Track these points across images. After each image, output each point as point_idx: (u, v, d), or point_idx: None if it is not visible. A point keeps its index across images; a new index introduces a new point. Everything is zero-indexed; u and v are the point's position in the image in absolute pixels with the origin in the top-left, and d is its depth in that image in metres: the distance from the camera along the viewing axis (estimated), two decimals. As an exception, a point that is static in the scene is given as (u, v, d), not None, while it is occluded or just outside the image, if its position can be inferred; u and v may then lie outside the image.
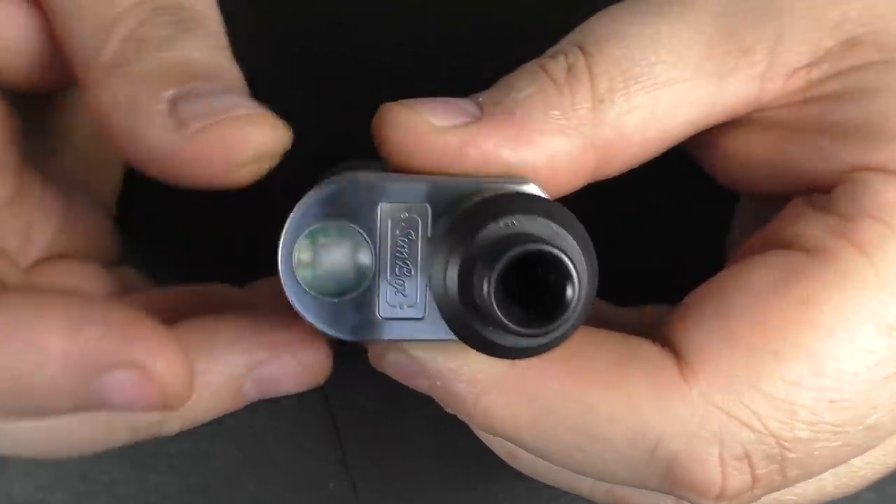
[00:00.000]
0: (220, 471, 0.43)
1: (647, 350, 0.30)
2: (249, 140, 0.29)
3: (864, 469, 0.34)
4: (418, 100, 0.31)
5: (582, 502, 0.38)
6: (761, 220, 0.34)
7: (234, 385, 0.32)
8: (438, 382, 0.30)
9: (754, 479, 0.30)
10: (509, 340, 0.27)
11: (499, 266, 0.25)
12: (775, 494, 0.33)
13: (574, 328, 0.27)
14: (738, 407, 0.29)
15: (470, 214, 0.27)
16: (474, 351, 0.29)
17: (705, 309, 0.30)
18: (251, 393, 0.32)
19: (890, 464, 0.34)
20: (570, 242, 0.27)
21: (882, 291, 0.29)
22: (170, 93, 0.29)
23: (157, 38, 0.30)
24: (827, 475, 0.33)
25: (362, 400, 0.42)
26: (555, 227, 0.27)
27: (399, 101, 0.31)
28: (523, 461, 0.35)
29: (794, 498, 0.34)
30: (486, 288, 0.26)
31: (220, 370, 0.32)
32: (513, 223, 0.27)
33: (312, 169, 0.37)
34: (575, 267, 0.26)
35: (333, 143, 0.37)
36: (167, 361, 0.28)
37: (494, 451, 0.35)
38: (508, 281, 0.26)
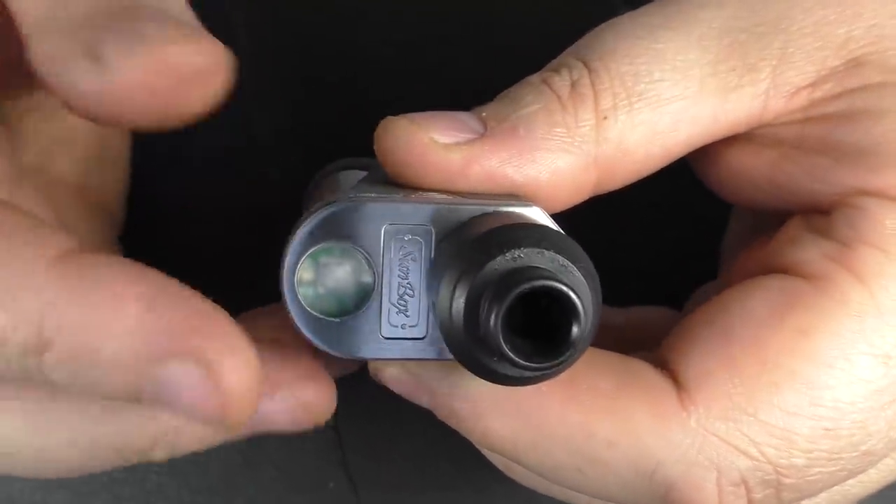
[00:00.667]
0: (220, 471, 0.43)
1: (647, 375, 0.31)
2: (172, 61, 0.26)
3: (856, 487, 0.34)
4: (421, 114, 0.31)
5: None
6: (757, 228, 0.34)
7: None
8: (438, 400, 0.31)
9: (750, 502, 0.30)
10: (513, 372, 0.27)
11: (506, 301, 0.25)
12: None
13: (580, 353, 0.27)
14: (736, 435, 0.29)
15: (477, 244, 0.27)
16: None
17: (704, 334, 0.31)
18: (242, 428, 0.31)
19: (882, 482, 0.34)
20: (576, 277, 0.27)
21: (880, 321, 0.29)
22: (89, 33, 0.26)
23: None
24: (821, 498, 0.33)
25: (362, 400, 0.43)
26: (562, 260, 0.27)
27: (402, 115, 0.31)
28: (520, 474, 0.35)
29: None
30: (493, 322, 0.26)
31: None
32: (520, 256, 0.26)
33: (312, 168, 0.38)
34: (581, 303, 0.26)
35: (332, 142, 0.37)
36: (237, 365, 0.26)
37: (492, 461, 0.36)
38: (514, 313, 0.26)
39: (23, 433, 0.29)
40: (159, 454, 0.31)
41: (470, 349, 0.27)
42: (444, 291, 0.27)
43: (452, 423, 0.31)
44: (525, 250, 0.26)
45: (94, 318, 0.25)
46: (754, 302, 0.30)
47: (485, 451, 0.35)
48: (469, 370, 0.28)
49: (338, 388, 0.42)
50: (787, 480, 0.30)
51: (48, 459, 0.30)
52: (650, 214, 0.41)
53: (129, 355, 0.26)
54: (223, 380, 0.26)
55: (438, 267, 0.29)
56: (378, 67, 0.42)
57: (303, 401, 0.31)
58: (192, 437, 0.31)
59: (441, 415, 0.31)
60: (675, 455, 0.29)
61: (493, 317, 0.26)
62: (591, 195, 0.32)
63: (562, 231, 0.28)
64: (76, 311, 0.25)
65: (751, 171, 0.33)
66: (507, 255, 0.26)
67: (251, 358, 0.26)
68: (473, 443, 0.32)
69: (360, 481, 0.43)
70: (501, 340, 0.26)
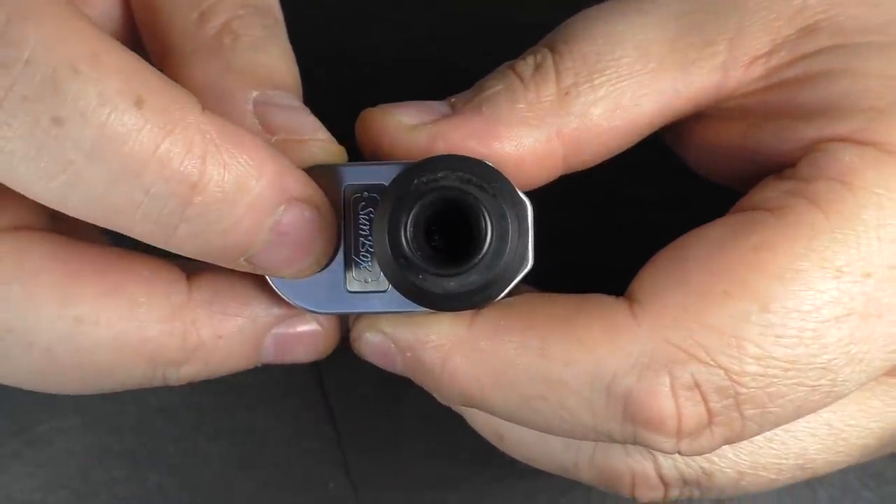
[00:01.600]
0: (219, 471, 0.43)
1: (600, 299, 0.31)
2: (315, 159, 0.32)
3: (845, 431, 0.34)
4: (393, 103, 0.33)
5: (580, 502, 0.38)
6: None
7: (257, 335, 0.33)
8: (408, 354, 0.32)
9: (710, 412, 0.30)
10: (439, 286, 0.29)
11: (414, 209, 0.28)
12: (753, 450, 0.34)
13: (501, 274, 0.29)
14: (687, 341, 0.30)
15: (401, 175, 0.29)
16: (435, 320, 0.31)
17: (662, 260, 0.32)
18: (269, 350, 0.33)
19: (873, 428, 0.34)
20: (486, 193, 0.29)
21: (833, 240, 0.30)
22: (256, 93, 0.32)
23: (250, 37, 0.33)
24: (805, 436, 0.34)
25: (362, 400, 0.43)
26: (475, 179, 0.29)
27: (377, 105, 0.33)
28: (510, 442, 0.36)
29: (775, 460, 0.34)
30: (404, 232, 0.28)
31: (246, 318, 0.33)
32: (434, 178, 0.29)
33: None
34: (486, 209, 0.28)
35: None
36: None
37: (484, 435, 0.36)
38: (441, 236, 0.29)
39: (68, 326, 0.31)
40: (187, 371, 0.32)
41: (399, 273, 0.29)
42: (377, 224, 0.29)
43: (424, 379, 0.32)
44: (441, 173, 0.29)
45: (243, 165, 0.29)
46: (712, 230, 0.31)
47: (474, 422, 0.36)
48: (404, 295, 0.29)
49: (338, 388, 0.42)
50: (744, 390, 0.30)
51: (84, 363, 0.31)
52: (649, 214, 0.41)
53: (265, 198, 0.29)
54: (325, 214, 0.30)
55: (377, 214, 0.30)
56: (378, 67, 0.42)
57: (324, 325, 0.34)
58: (225, 353, 0.33)
59: (413, 371, 0.32)
60: (628, 363, 0.30)
61: (402, 227, 0.28)
62: (563, 171, 0.33)
63: (488, 163, 0.29)
64: (229, 151, 0.28)
65: (724, 144, 0.34)
66: (423, 177, 0.29)
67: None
68: (444, 399, 0.33)
69: (360, 481, 0.43)
70: (411, 248, 0.28)
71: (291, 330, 0.33)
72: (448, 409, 0.36)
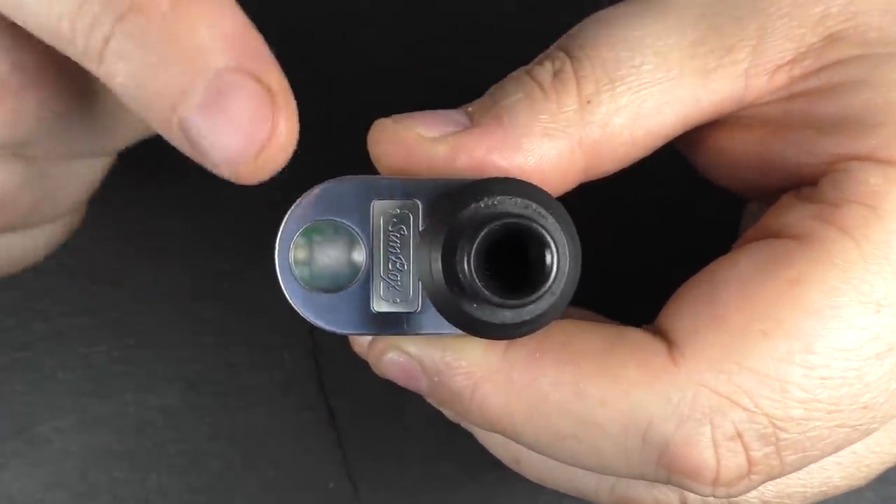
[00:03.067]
0: (219, 471, 0.43)
1: (637, 336, 0.31)
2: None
3: (868, 458, 0.34)
4: (409, 114, 0.32)
5: None
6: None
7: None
8: (436, 378, 0.31)
9: (750, 462, 0.30)
10: (495, 316, 0.28)
11: (478, 238, 0.27)
12: (780, 482, 0.33)
13: (558, 304, 0.28)
14: (728, 386, 0.29)
15: (453, 198, 0.28)
16: (468, 345, 0.30)
17: (694, 295, 0.31)
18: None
19: (895, 453, 0.34)
20: (548, 220, 0.28)
21: (867, 271, 0.29)
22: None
23: None
24: (832, 465, 0.33)
25: (362, 400, 0.43)
26: (534, 205, 0.28)
27: (391, 116, 0.32)
28: (528, 465, 0.35)
29: (801, 489, 0.34)
30: (467, 261, 0.27)
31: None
32: (493, 203, 0.28)
33: (311, 166, 0.37)
34: (552, 238, 0.27)
35: (332, 141, 0.37)
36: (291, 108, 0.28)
37: (499, 457, 0.36)
38: (493, 261, 0.27)
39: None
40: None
41: (451, 300, 0.28)
42: (424, 247, 0.28)
43: (450, 405, 0.31)
44: (498, 198, 0.28)
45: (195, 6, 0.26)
46: (741, 262, 0.31)
47: (490, 445, 0.35)
48: (452, 322, 0.28)
49: (338, 388, 0.42)
50: (785, 436, 0.29)
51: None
52: (651, 215, 0.41)
53: (210, 48, 0.26)
54: (282, 108, 0.27)
55: (424, 235, 0.29)
56: (378, 67, 0.42)
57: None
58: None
59: (438, 396, 0.31)
60: (667, 410, 0.29)
61: (466, 256, 0.27)
62: (582, 181, 0.32)
63: (542, 189, 0.29)
64: None
65: (740, 153, 0.33)
66: (480, 202, 0.28)
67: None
68: (472, 425, 0.32)
69: (360, 481, 0.43)
70: (475, 277, 0.27)
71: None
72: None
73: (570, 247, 0.28)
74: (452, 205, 0.28)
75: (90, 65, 0.27)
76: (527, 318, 0.28)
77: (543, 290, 0.27)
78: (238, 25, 0.27)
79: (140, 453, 0.43)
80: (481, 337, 0.29)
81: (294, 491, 0.42)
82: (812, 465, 0.33)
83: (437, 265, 0.28)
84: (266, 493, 0.42)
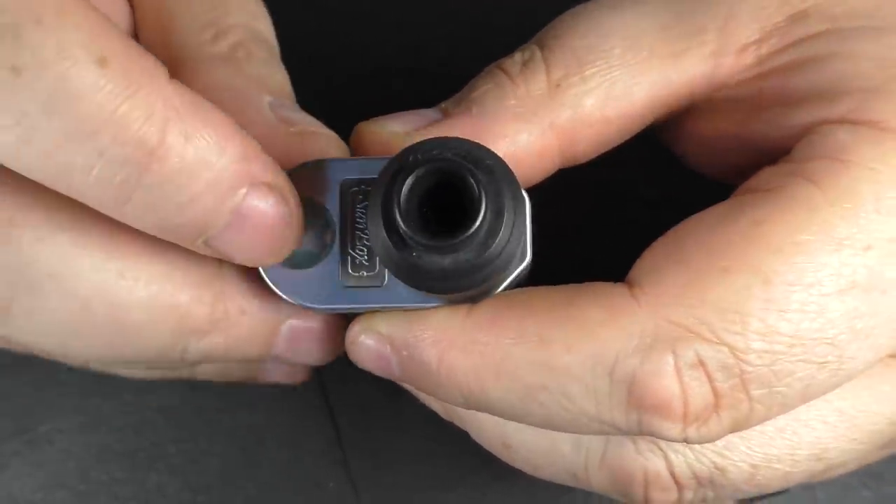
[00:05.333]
0: (220, 471, 0.43)
1: (599, 285, 0.31)
2: (327, 152, 0.33)
3: (859, 417, 0.34)
4: (386, 115, 0.33)
5: (580, 502, 0.38)
6: None
7: (276, 319, 0.33)
8: (405, 352, 0.31)
9: (716, 393, 0.30)
10: (434, 262, 0.28)
11: (407, 181, 0.28)
12: (765, 441, 0.33)
13: (497, 253, 0.28)
14: (688, 318, 0.29)
15: (395, 156, 0.29)
16: (432, 315, 0.31)
17: (661, 244, 0.31)
18: (282, 340, 0.34)
19: (886, 413, 0.34)
20: (477, 168, 0.28)
21: (831, 213, 0.29)
22: (269, 98, 0.33)
23: (259, 55, 0.34)
24: (818, 424, 0.34)
25: (362, 400, 0.43)
26: (471, 154, 0.28)
27: (371, 119, 0.33)
28: (517, 450, 0.35)
29: (789, 451, 0.34)
30: (397, 204, 0.28)
31: (270, 300, 0.33)
32: (427, 155, 0.28)
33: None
34: (477, 182, 0.28)
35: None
36: (295, 199, 0.30)
37: (489, 446, 0.36)
38: (435, 211, 0.28)
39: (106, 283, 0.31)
40: (208, 342, 0.32)
41: (391, 250, 0.28)
42: (371, 206, 0.29)
43: (420, 381, 0.32)
44: (434, 152, 0.28)
45: (207, 139, 0.28)
46: (711, 211, 0.31)
47: (479, 432, 0.36)
48: (399, 277, 0.29)
49: (338, 388, 0.42)
50: (749, 368, 0.30)
51: (117, 320, 0.31)
52: (647, 213, 0.41)
53: (227, 177, 0.28)
54: (291, 205, 0.30)
55: (371, 196, 0.30)
56: (379, 67, 0.42)
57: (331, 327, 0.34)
58: (246, 330, 0.33)
59: (409, 375, 0.32)
60: (630, 344, 0.29)
61: (395, 200, 0.28)
62: (560, 165, 0.33)
63: (482, 144, 0.29)
64: (193, 123, 0.28)
65: (720, 136, 0.34)
66: (417, 154, 0.28)
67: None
68: (445, 398, 0.32)
69: (360, 481, 0.43)
70: (402, 219, 0.28)
71: (306, 324, 0.33)
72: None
73: (507, 198, 0.28)
74: (393, 158, 0.29)
75: (113, 214, 0.29)
76: (466, 265, 0.28)
77: (472, 230, 0.28)
78: (243, 142, 0.29)
79: (140, 453, 0.43)
80: (429, 290, 0.29)
81: (294, 491, 0.43)
82: (796, 424, 0.33)
83: (377, 218, 0.28)
84: (266, 492, 0.43)
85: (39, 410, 0.43)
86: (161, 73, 0.28)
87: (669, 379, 0.30)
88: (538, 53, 0.33)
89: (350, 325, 0.33)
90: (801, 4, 0.33)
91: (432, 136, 0.29)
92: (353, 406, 0.43)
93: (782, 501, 0.41)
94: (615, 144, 0.33)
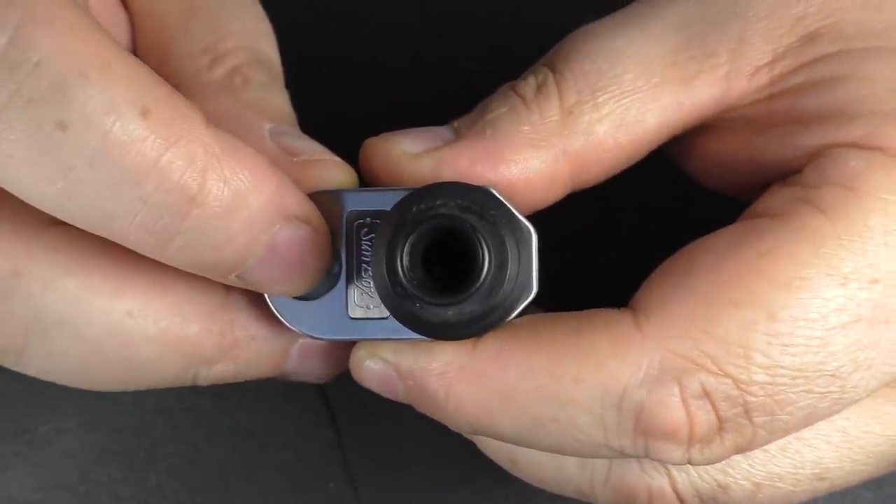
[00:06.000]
0: (219, 471, 0.43)
1: (604, 313, 0.31)
2: (333, 180, 0.33)
3: (862, 438, 0.34)
4: (397, 131, 0.33)
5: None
6: None
7: (287, 342, 0.33)
8: (410, 382, 0.31)
9: (720, 419, 0.30)
10: (437, 315, 0.28)
11: (410, 238, 0.28)
12: (768, 460, 0.33)
13: (502, 302, 0.28)
14: (694, 351, 0.30)
15: (399, 203, 0.29)
16: (439, 347, 0.31)
17: (667, 271, 0.31)
18: (293, 359, 0.34)
19: (889, 435, 0.34)
20: (483, 221, 0.28)
21: (839, 246, 0.29)
22: (269, 125, 0.33)
23: (257, 80, 0.34)
24: (821, 444, 0.34)
25: (362, 400, 0.42)
26: (474, 207, 0.28)
27: (380, 134, 0.33)
28: (524, 466, 0.35)
29: (791, 469, 0.34)
30: (401, 260, 0.28)
31: (279, 324, 0.33)
32: (433, 206, 0.28)
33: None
34: (483, 237, 0.28)
35: (332, 142, 0.37)
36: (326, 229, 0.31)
37: (496, 460, 0.36)
38: (440, 265, 0.28)
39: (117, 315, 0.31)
40: (218, 370, 0.33)
41: (395, 300, 0.29)
42: (375, 252, 0.29)
43: (429, 408, 0.32)
44: (439, 201, 0.28)
45: (243, 181, 0.29)
46: (717, 238, 0.31)
47: (488, 449, 0.36)
48: (403, 323, 0.29)
49: (338, 389, 0.42)
50: (753, 399, 0.30)
51: (128, 357, 0.32)
52: (647, 216, 0.41)
53: (262, 215, 0.29)
54: (321, 234, 0.31)
55: (375, 241, 0.30)
56: (378, 67, 0.42)
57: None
58: (256, 355, 0.33)
59: (416, 399, 0.32)
60: (638, 376, 0.30)
61: (399, 257, 0.28)
62: (569, 191, 0.33)
63: (490, 190, 0.29)
64: (230, 166, 0.28)
65: (729, 155, 0.34)
66: (421, 205, 0.28)
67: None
68: (452, 425, 0.32)
69: (360, 481, 0.43)
70: (406, 277, 0.28)
71: (316, 343, 0.34)
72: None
73: (510, 247, 0.28)
74: (397, 209, 0.29)
75: (153, 255, 0.29)
76: (470, 316, 0.28)
77: (475, 287, 0.28)
78: (276, 177, 0.30)
79: (140, 453, 0.43)
80: (433, 338, 0.30)
81: (294, 491, 0.43)
82: (798, 444, 0.34)
83: (381, 269, 0.28)
84: (265, 493, 0.43)
85: (39, 411, 0.43)
86: (198, 118, 0.28)
87: (676, 408, 0.30)
88: (550, 77, 0.32)
89: (354, 349, 0.33)
90: (814, 25, 0.32)
91: (436, 182, 0.29)
92: (353, 407, 0.43)
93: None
94: (625, 167, 0.33)
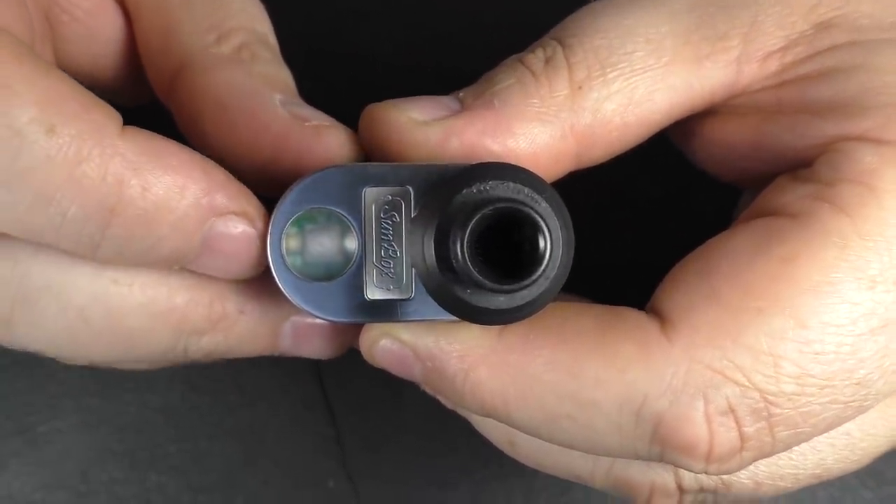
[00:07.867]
0: (220, 470, 0.43)
1: (631, 315, 0.31)
2: (345, 147, 0.32)
3: (864, 441, 0.34)
4: (401, 98, 0.32)
5: (581, 502, 0.38)
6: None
7: (276, 318, 0.33)
8: (429, 364, 0.31)
9: (742, 437, 0.30)
10: (489, 301, 0.28)
11: (471, 223, 0.27)
12: (772, 462, 0.33)
13: (551, 288, 0.28)
14: (721, 362, 0.29)
15: (446, 184, 0.28)
16: (462, 329, 0.30)
17: (688, 273, 0.31)
18: (286, 338, 0.33)
19: (891, 436, 0.34)
20: (541, 205, 0.28)
21: (863, 248, 0.29)
22: (279, 96, 0.33)
23: (264, 56, 0.34)
24: (825, 447, 0.33)
25: (362, 398, 0.43)
26: (526, 190, 0.28)
27: (384, 101, 0.32)
28: (523, 448, 0.35)
29: (793, 471, 0.34)
30: (460, 246, 0.27)
31: (268, 299, 0.33)
32: (485, 188, 0.28)
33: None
34: (546, 223, 0.27)
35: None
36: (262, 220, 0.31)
37: (494, 441, 0.36)
38: (486, 246, 0.27)
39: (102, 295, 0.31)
40: (208, 341, 0.33)
41: (445, 286, 0.28)
42: (417, 234, 0.28)
43: (443, 390, 0.31)
44: (490, 183, 0.28)
45: (165, 190, 0.29)
46: (736, 240, 0.31)
47: (485, 429, 0.35)
48: (447, 309, 0.28)
49: (338, 386, 0.42)
50: (777, 411, 0.29)
51: (114, 327, 0.32)
52: (648, 210, 0.41)
53: (188, 220, 0.29)
54: (258, 226, 0.30)
55: (417, 222, 0.29)
56: (378, 67, 0.42)
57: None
58: (245, 329, 0.33)
59: (432, 381, 0.31)
60: (661, 386, 0.29)
61: (459, 241, 0.27)
62: (575, 167, 0.32)
63: (535, 173, 0.28)
64: (151, 171, 0.28)
65: (736, 141, 0.33)
66: (472, 187, 0.27)
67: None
68: (465, 409, 0.32)
69: (360, 479, 0.43)
70: (469, 263, 0.27)
71: (308, 320, 0.33)
72: (448, 408, 0.36)
73: (563, 232, 0.28)
74: (445, 191, 0.28)
75: (88, 258, 0.30)
76: (521, 302, 0.28)
77: (537, 274, 0.27)
78: (205, 177, 0.29)
79: (140, 453, 0.43)
80: (476, 322, 0.29)
81: (294, 489, 0.43)
82: (804, 447, 0.33)
83: (431, 251, 0.28)
84: (266, 491, 0.43)
85: (39, 410, 0.43)
86: (113, 125, 0.28)
87: (698, 425, 0.29)
88: (560, 51, 0.32)
89: (366, 328, 0.32)
90: (827, 14, 0.32)
91: (484, 162, 0.29)
92: (352, 404, 0.43)
93: (783, 501, 0.41)
94: (630, 147, 0.33)
